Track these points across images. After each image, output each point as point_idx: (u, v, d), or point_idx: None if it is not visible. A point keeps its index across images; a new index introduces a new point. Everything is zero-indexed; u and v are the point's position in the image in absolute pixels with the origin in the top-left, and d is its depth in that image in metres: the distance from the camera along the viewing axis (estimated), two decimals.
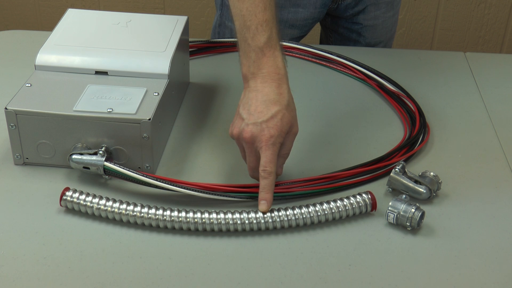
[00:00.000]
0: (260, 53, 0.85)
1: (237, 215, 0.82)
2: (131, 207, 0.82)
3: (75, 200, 0.83)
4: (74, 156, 0.88)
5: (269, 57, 0.85)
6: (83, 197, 0.83)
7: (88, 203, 0.83)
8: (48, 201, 0.86)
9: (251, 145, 0.84)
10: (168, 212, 0.81)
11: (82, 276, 0.75)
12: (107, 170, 0.87)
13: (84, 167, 0.88)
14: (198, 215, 0.81)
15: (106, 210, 0.82)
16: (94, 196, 0.83)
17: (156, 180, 0.85)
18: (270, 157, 0.83)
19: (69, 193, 0.84)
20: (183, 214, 0.81)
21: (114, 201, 0.83)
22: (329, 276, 0.77)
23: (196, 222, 0.81)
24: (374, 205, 0.85)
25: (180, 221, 0.81)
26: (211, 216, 0.81)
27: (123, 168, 0.86)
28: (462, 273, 0.78)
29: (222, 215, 0.81)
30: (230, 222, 0.81)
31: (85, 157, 0.87)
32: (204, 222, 0.81)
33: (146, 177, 0.85)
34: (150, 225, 0.82)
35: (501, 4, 2.12)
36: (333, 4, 1.31)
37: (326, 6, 1.31)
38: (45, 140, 0.90)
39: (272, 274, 0.77)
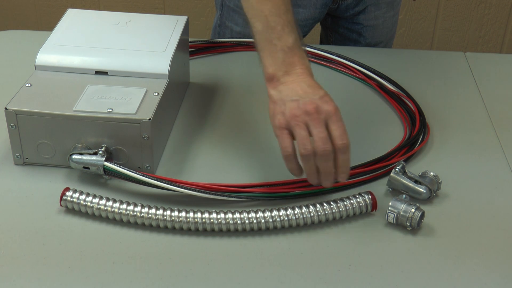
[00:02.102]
0: (290, 52, 0.85)
1: (237, 215, 0.82)
2: (131, 207, 0.82)
3: (75, 200, 0.83)
4: (74, 156, 0.88)
5: (299, 57, 0.85)
6: (83, 197, 0.83)
7: (88, 203, 0.83)
8: (48, 201, 0.86)
9: (318, 116, 0.81)
10: (168, 212, 0.81)
11: (82, 276, 0.75)
12: (107, 170, 0.87)
13: (84, 167, 0.88)
14: (198, 215, 0.81)
15: (106, 210, 0.82)
16: (94, 196, 0.83)
17: (156, 180, 0.85)
18: (344, 128, 0.81)
19: (69, 193, 0.84)
20: (183, 214, 0.81)
21: (114, 201, 0.83)
22: (329, 276, 0.77)
23: (196, 222, 0.81)
24: (374, 205, 0.85)
25: (180, 221, 0.81)
26: (211, 216, 0.81)
27: (123, 168, 0.86)
28: (462, 273, 0.78)
29: (222, 215, 0.81)
30: (230, 222, 0.81)
31: (85, 157, 0.87)
32: (204, 222, 0.81)
33: (146, 177, 0.85)
34: (150, 225, 0.82)
35: (501, 4, 2.13)
36: (334, 4, 1.31)
37: (327, 6, 1.31)
38: (45, 140, 0.90)
39: (272, 274, 0.77)
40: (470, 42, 2.21)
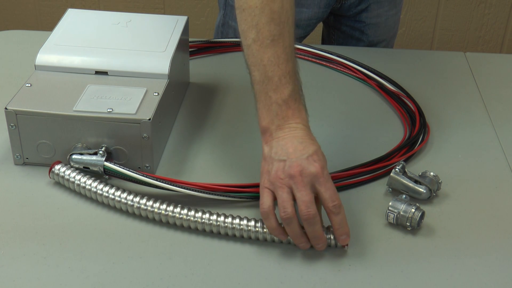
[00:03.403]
0: (285, 105, 0.81)
1: (244, 222, 0.81)
2: (112, 190, 0.85)
3: (61, 174, 0.86)
4: (74, 156, 0.88)
5: (294, 109, 0.81)
6: (68, 172, 0.86)
7: (74, 180, 0.86)
8: (48, 201, 0.86)
9: (302, 179, 0.77)
10: (157, 204, 0.82)
11: (82, 276, 0.75)
12: (107, 170, 0.87)
13: (84, 167, 0.88)
14: (199, 213, 0.81)
15: (90, 190, 0.85)
16: (82, 175, 0.86)
17: (156, 180, 0.85)
18: (334, 188, 0.77)
19: (58, 166, 0.87)
20: (178, 209, 0.82)
21: (105, 184, 0.85)
22: (329, 276, 0.77)
23: (196, 221, 0.81)
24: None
25: (174, 217, 0.82)
26: (215, 218, 0.81)
27: (123, 168, 0.86)
28: (462, 273, 0.78)
29: (229, 220, 0.81)
30: (231, 227, 0.81)
31: (85, 157, 0.87)
32: (204, 223, 0.81)
33: (146, 177, 0.85)
34: (127, 211, 0.84)
35: (501, 4, 2.13)
36: (337, 4, 1.31)
37: (330, 6, 1.31)
38: (45, 140, 0.90)
39: (272, 274, 0.77)
40: (470, 42, 2.21)
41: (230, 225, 0.80)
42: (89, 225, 0.83)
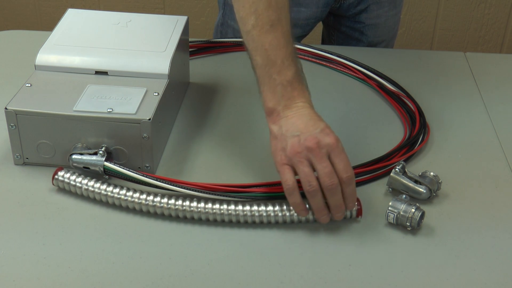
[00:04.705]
0: (290, 86, 0.83)
1: (238, 207, 0.83)
2: (116, 189, 0.84)
3: (65, 180, 0.86)
4: (74, 156, 0.88)
5: (299, 90, 0.83)
6: (73, 177, 0.86)
7: (81, 185, 0.86)
8: (48, 201, 0.86)
9: (320, 150, 0.79)
10: (165, 200, 0.83)
11: (82, 276, 0.75)
12: (107, 170, 0.87)
13: (84, 167, 0.88)
14: (192, 203, 0.82)
15: (94, 191, 0.85)
16: (88, 178, 0.86)
17: (156, 180, 0.85)
18: (347, 160, 0.80)
19: (61, 173, 0.86)
20: (183, 202, 0.83)
21: (108, 184, 0.85)
22: (329, 276, 0.77)
23: (191, 211, 0.83)
24: (359, 211, 0.84)
25: (172, 209, 0.83)
26: (213, 206, 0.83)
27: (123, 168, 0.86)
28: (462, 273, 0.78)
29: (225, 206, 0.83)
30: (230, 213, 0.82)
31: (85, 157, 0.87)
32: (193, 211, 0.83)
33: (146, 177, 0.85)
34: (134, 208, 0.84)
35: (501, 4, 2.13)
36: (336, 4, 1.31)
37: (329, 6, 1.31)
38: (45, 140, 0.90)
39: (272, 274, 0.77)
40: (470, 42, 2.21)
41: (241, 213, 0.82)
42: (89, 225, 0.83)
